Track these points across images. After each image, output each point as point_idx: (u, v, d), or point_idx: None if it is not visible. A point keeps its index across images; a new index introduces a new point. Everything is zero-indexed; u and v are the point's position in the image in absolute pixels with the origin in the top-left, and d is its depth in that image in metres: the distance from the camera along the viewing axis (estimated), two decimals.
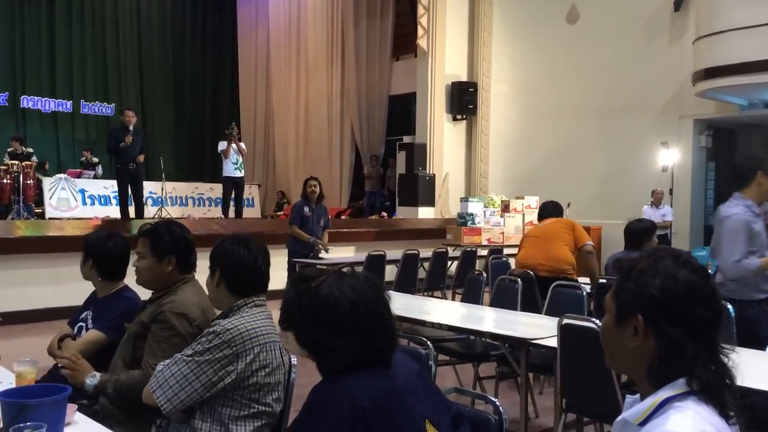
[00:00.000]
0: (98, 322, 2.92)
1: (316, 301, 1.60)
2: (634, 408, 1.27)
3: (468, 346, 4.49)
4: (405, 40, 14.49)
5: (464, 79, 13.38)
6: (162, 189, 12.30)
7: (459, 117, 13.37)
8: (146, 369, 2.45)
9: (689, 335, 1.23)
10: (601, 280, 4.88)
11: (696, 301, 1.25)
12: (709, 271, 6.27)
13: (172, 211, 12.53)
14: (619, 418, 1.30)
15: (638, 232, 4.79)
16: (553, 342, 3.38)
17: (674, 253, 1.31)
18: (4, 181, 11.48)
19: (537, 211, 6.27)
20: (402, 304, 4.66)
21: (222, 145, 11.26)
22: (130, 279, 3.07)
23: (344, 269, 1.72)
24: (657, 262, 1.29)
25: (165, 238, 2.63)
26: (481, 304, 5.07)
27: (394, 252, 7.69)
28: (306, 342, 1.64)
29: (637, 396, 1.32)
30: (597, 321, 3.19)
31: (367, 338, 1.60)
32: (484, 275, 5.55)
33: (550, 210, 5.85)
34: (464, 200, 10.93)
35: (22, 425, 1.63)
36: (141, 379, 2.42)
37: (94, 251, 2.99)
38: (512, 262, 6.59)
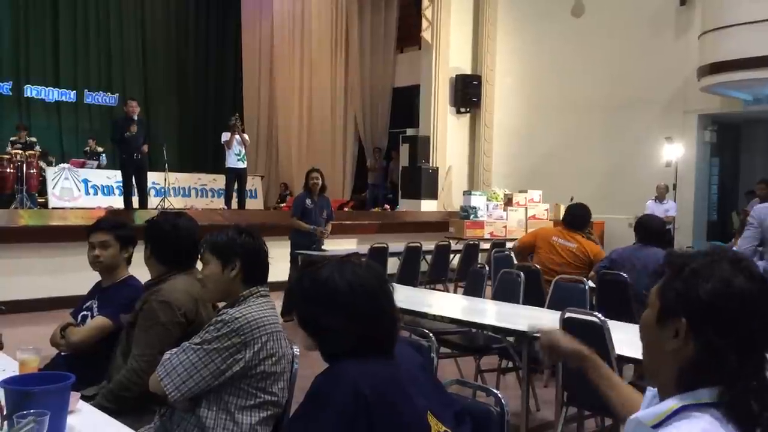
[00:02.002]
0: (105, 309, 2.92)
1: (316, 282, 1.64)
2: (649, 409, 1.22)
3: (470, 338, 4.49)
4: (409, 33, 14.45)
5: (468, 72, 13.36)
6: (165, 180, 12.31)
7: (463, 110, 13.36)
8: (130, 360, 2.48)
9: (735, 348, 1.14)
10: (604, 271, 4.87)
11: (749, 313, 1.15)
12: None
13: (175, 202, 12.54)
14: (633, 416, 1.24)
15: (657, 230, 4.77)
16: None
17: (734, 256, 1.21)
18: (8, 170, 11.48)
19: (565, 211, 5.72)
20: (404, 296, 4.66)
21: (225, 136, 11.26)
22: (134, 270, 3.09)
23: (351, 257, 1.75)
24: (713, 264, 1.19)
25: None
26: (483, 297, 5.07)
27: (397, 245, 7.69)
28: (305, 322, 1.66)
29: (656, 390, 1.27)
30: (599, 315, 3.19)
31: (364, 322, 1.61)
32: (487, 268, 5.54)
33: (578, 221, 5.37)
34: (467, 193, 10.93)
35: (25, 413, 1.63)
36: (125, 375, 2.46)
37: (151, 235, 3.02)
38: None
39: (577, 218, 5.40)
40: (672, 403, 1.17)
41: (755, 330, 1.15)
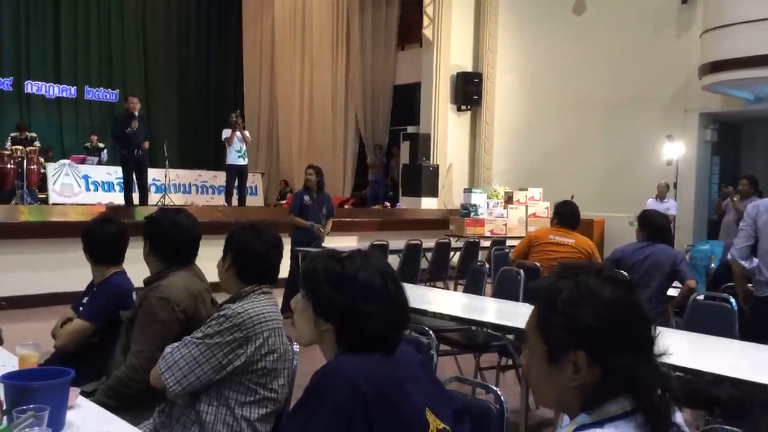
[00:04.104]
0: (84, 310, 2.93)
1: (349, 271, 1.65)
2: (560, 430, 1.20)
3: (469, 336, 4.50)
4: (410, 30, 14.43)
5: (469, 69, 13.35)
6: (165, 176, 12.31)
7: (463, 107, 13.34)
8: (130, 357, 2.48)
9: (635, 359, 1.12)
10: None
11: (632, 321, 1.14)
12: (712, 265, 6.26)
13: (176, 199, 12.53)
14: None
15: (664, 228, 4.77)
16: None
17: (594, 269, 1.19)
18: (8, 166, 11.48)
19: (553, 211, 5.65)
20: None
21: (226, 133, 11.25)
22: (128, 265, 3.09)
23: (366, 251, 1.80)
24: (580, 286, 1.15)
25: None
26: (483, 295, 5.07)
27: (397, 242, 7.70)
28: (331, 310, 1.64)
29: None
30: None
31: (396, 305, 1.66)
32: (487, 266, 5.54)
33: (574, 220, 5.35)
34: (468, 191, 10.93)
35: (24, 408, 1.64)
36: (124, 372, 2.46)
37: (86, 236, 3.00)
38: None
39: (572, 217, 5.39)
40: (581, 419, 1.15)
41: (643, 333, 1.14)
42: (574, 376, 1.14)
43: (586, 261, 5.19)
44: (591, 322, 1.12)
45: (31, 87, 16.08)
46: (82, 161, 13.11)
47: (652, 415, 1.10)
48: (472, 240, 8.56)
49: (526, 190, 11.18)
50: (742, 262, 4.25)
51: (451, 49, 13.05)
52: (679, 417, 1.18)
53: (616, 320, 1.13)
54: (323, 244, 7.52)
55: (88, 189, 12.52)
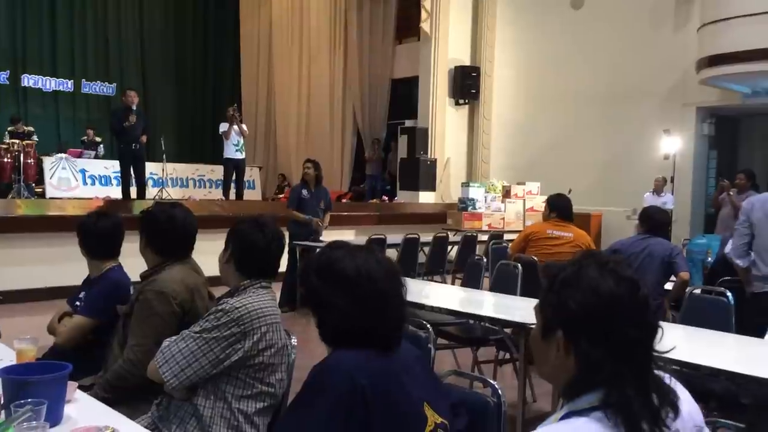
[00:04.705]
0: (83, 305, 2.92)
1: (329, 259, 1.67)
2: (547, 420, 1.22)
3: (467, 330, 4.50)
4: (408, 24, 14.40)
5: (467, 63, 13.33)
6: (163, 170, 12.28)
7: (461, 101, 13.34)
8: (127, 351, 2.48)
9: (611, 356, 1.12)
10: None
11: (620, 319, 1.13)
12: (709, 258, 6.27)
13: (173, 193, 12.52)
14: (538, 429, 1.20)
15: (664, 223, 4.80)
16: None
17: (601, 259, 1.19)
18: (5, 160, 11.46)
19: (549, 205, 5.59)
20: None
21: (223, 127, 11.23)
22: (125, 259, 3.08)
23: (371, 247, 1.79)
24: (581, 271, 1.17)
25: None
26: (481, 289, 5.08)
27: (395, 236, 7.70)
28: (310, 296, 1.68)
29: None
30: None
31: (365, 309, 1.61)
32: (484, 260, 5.55)
33: (570, 212, 5.40)
34: (465, 185, 10.94)
35: (22, 402, 1.64)
36: (121, 366, 2.46)
37: (81, 231, 3.00)
38: None
39: (569, 209, 5.42)
40: (560, 412, 1.18)
41: (629, 335, 1.12)
42: (557, 355, 1.18)
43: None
44: (572, 307, 1.14)
45: (28, 80, 16.03)
46: (79, 155, 13.07)
47: (618, 412, 1.10)
48: (469, 234, 8.56)
49: (524, 184, 11.20)
50: (739, 261, 4.25)
51: (449, 43, 13.03)
52: (684, 422, 1.17)
53: (598, 312, 1.13)
54: (321, 238, 7.53)
55: (85, 183, 12.48)
